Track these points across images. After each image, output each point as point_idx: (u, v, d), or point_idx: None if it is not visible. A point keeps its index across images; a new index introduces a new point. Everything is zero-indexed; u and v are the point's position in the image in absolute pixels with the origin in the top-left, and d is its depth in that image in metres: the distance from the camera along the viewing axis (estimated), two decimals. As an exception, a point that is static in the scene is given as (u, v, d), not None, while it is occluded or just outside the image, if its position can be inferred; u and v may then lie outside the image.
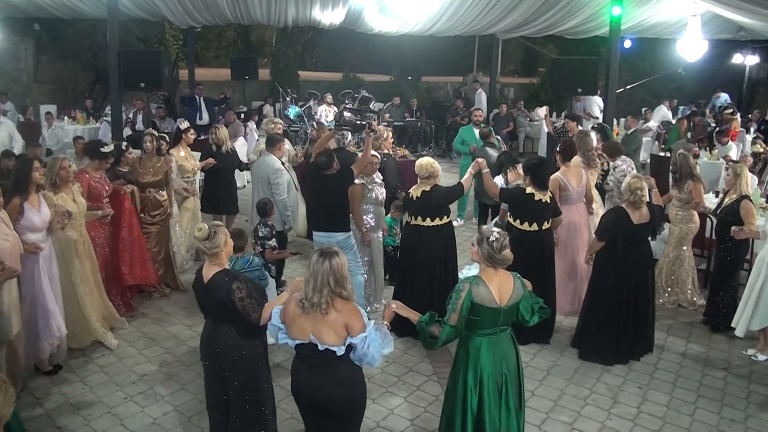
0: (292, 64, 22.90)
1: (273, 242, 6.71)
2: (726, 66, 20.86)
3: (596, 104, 17.95)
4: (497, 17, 14.35)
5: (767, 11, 11.33)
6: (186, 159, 8.79)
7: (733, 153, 12.58)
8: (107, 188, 7.00)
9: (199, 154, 9.40)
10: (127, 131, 14.29)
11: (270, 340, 4.76)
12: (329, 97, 16.30)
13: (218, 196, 9.23)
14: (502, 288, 4.29)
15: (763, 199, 9.09)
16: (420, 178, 6.73)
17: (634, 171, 8.96)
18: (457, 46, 25.03)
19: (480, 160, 6.93)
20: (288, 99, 17.36)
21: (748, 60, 20.25)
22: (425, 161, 6.74)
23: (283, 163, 8.34)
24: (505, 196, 7.09)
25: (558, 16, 14.42)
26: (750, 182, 7.39)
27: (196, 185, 9.14)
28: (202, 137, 11.76)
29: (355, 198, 7.04)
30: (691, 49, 13.61)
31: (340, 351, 3.92)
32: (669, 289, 8.13)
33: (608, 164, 8.88)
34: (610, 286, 6.47)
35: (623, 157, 8.89)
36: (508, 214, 7.09)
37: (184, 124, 9.03)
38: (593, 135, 11.11)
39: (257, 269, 5.73)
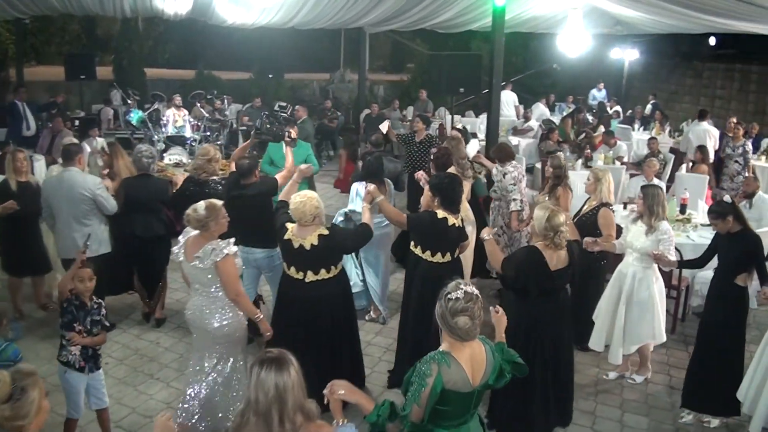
0: (137, 61, 20.40)
1: (78, 326, 4.57)
2: (602, 61, 20.44)
3: (512, 102, 17.09)
4: (365, 9, 13.08)
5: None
6: None
7: (625, 153, 11.74)
8: None
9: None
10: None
11: None
12: (177, 99, 14.26)
13: (20, 250, 6.94)
14: (475, 362, 3.32)
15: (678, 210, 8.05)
16: (302, 223, 5.00)
17: (525, 178, 7.85)
18: (322, 41, 23.48)
19: (371, 187, 5.55)
20: (130, 102, 15.11)
21: (627, 54, 19.92)
22: (308, 202, 4.94)
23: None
24: (413, 223, 5.62)
25: (431, 8, 13.39)
26: (612, 188, 6.50)
27: None
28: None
29: (232, 275, 4.66)
30: (572, 43, 12.75)
31: None
32: None
33: (496, 170, 7.83)
34: (518, 347, 5.00)
35: (514, 162, 7.81)
36: (413, 243, 5.67)
37: None
38: (475, 142, 10.00)
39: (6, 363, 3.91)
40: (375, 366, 6.24)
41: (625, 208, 8.14)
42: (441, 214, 5.41)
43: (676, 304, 7.09)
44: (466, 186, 7.51)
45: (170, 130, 13.40)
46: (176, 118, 13.82)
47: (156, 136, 13.05)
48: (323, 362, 5.06)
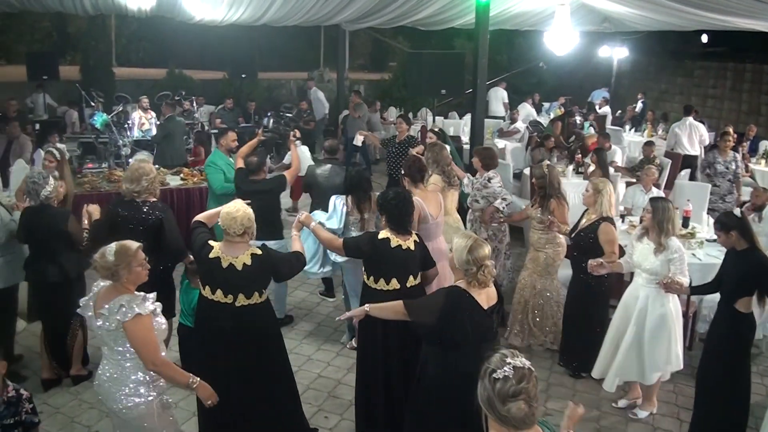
0: (105, 60, 19.40)
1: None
2: (590, 59, 19.79)
3: (501, 99, 16.57)
4: (340, 5, 12.39)
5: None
6: None
7: (618, 157, 11.10)
8: None
9: None
10: None
11: None
12: (145, 101, 13.42)
13: None
14: None
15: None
16: (229, 238, 4.30)
17: (504, 189, 7.12)
18: (301, 38, 22.71)
19: (303, 216, 5.01)
20: (94, 104, 14.20)
21: (615, 52, 19.28)
22: (242, 210, 4.31)
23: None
24: (351, 248, 4.91)
25: (410, 5, 12.76)
26: (614, 200, 5.86)
27: None
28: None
29: (147, 341, 3.66)
30: (560, 41, 12.08)
31: None
32: (536, 329, 6.45)
33: (467, 178, 7.23)
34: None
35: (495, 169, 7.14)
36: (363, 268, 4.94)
37: None
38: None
39: None
40: (344, 413, 5.39)
41: (623, 221, 7.43)
42: (383, 234, 4.75)
43: (684, 331, 6.39)
44: (453, 194, 6.96)
45: (135, 134, 12.63)
46: (143, 121, 13.05)
47: (121, 141, 12.25)
48: (258, 406, 4.42)
